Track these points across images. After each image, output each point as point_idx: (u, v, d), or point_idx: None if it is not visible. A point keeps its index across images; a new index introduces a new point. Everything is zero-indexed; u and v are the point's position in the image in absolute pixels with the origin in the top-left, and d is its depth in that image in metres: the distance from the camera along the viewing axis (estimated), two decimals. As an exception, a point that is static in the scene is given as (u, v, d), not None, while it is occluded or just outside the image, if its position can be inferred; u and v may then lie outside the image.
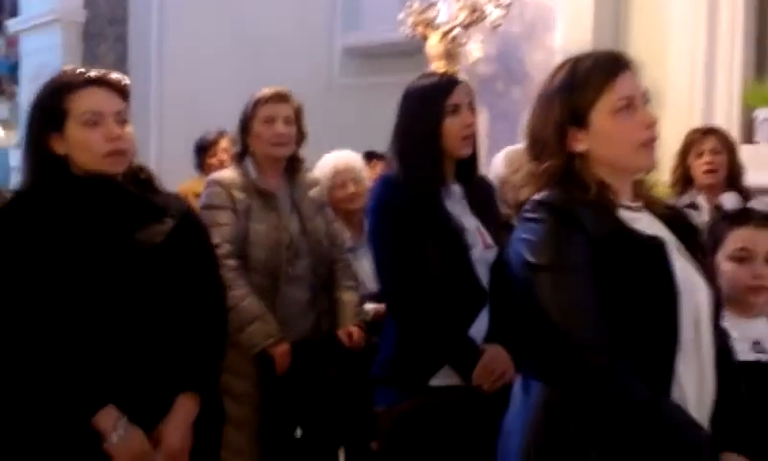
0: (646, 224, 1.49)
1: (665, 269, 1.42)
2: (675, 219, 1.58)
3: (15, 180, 7.68)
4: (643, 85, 1.52)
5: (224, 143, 3.89)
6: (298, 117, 2.74)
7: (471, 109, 2.23)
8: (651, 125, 1.50)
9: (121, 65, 6.81)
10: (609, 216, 1.46)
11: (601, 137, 1.48)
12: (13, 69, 8.02)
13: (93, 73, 1.74)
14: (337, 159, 3.13)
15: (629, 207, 1.51)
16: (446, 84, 2.22)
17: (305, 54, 6.46)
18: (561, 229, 1.42)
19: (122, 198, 1.72)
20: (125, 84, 1.78)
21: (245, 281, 2.50)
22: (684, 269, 1.45)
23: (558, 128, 1.49)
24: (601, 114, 1.47)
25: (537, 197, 1.48)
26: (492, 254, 2.21)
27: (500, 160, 2.89)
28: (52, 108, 1.71)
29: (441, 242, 2.13)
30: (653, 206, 1.57)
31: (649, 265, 1.42)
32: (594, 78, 1.48)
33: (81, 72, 1.74)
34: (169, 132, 6.07)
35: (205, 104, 6.00)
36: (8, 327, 1.63)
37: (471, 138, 2.22)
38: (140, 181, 1.78)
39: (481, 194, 2.30)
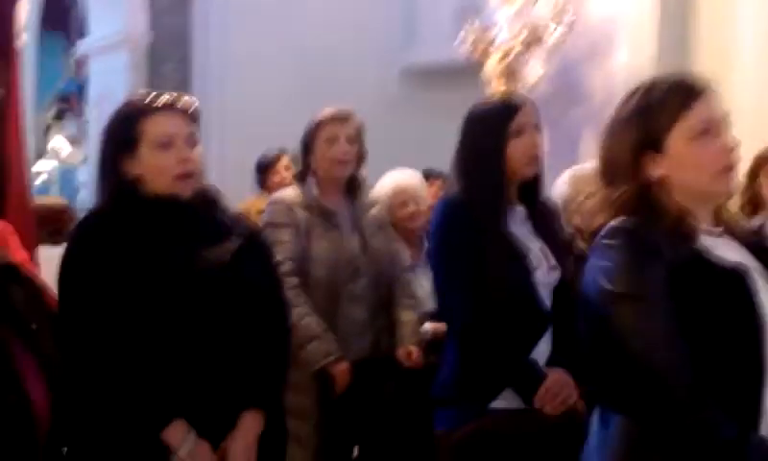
0: (727, 251, 1.44)
1: (749, 299, 1.37)
2: (759, 245, 1.52)
3: (83, 196, 7.95)
4: (722, 110, 1.48)
5: (284, 161, 3.95)
6: (359, 137, 2.76)
7: (537, 129, 2.21)
8: (730, 150, 1.46)
9: (184, 85, 6.98)
10: (688, 243, 1.41)
11: (678, 163, 1.44)
12: (82, 89, 8.30)
13: (164, 97, 1.80)
14: (398, 178, 3.15)
15: (709, 233, 1.46)
16: (511, 107, 2.20)
17: (364, 72, 6.53)
18: (639, 256, 1.38)
19: (191, 218, 1.77)
20: (194, 108, 1.83)
21: (305, 299, 2.52)
22: None
23: (633, 153, 1.46)
24: (678, 139, 1.44)
25: (613, 223, 1.44)
26: (555, 277, 2.19)
27: (564, 182, 2.85)
28: (125, 131, 1.77)
29: (504, 264, 2.11)
30: (734, 231, 1.52)
31: (731, 295, 1.37)
32: (671, 102, 1.45)
33: (153, 97, 1.80)
34: (230, 149, 6.18)
35: (266, 122, 6.09)
36: (81, 342, 1.67)
37: (536, 159, 2.20)
38: (207, 202, 1.83)
39: (545, 216, 2.28)
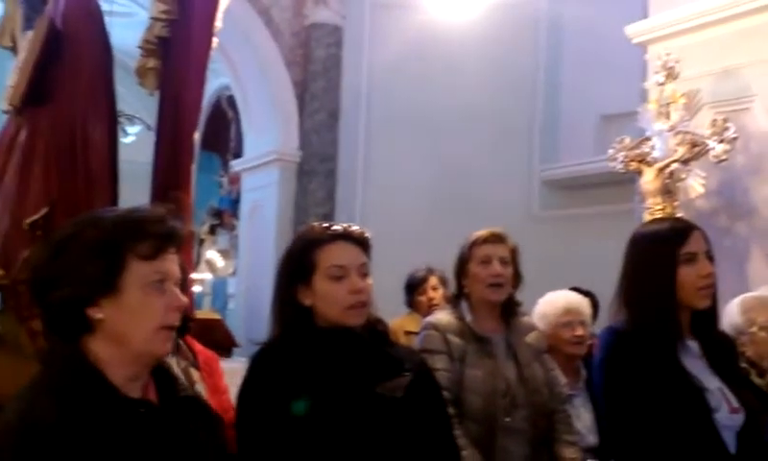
0: None
1: None
2: None
3: (232, 306, 8.31)
4: None
5: (433, 281, 3.93)
6: (514, 258, 2.69)
7: (709, 257, 2.06)
8: None
9: (329, 200, 7.27)
10: None
11: None
12: (235, 204, 8.82)
13: (338, 227, 1.82)
14: (568, 299, 3.03)
15: None
16: (681, 231, 2.07)
17: (504, 186, 6.53)
18: None
19: (364, 350, 1.75)
20: (366, 237, 1.84)
21: (462, 432, 2.42)
22: None
23: None
24: None
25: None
26: (739, 420, 1.98)
27: (735, 309, 2.65)
28: (301, 261, 1.80)
29: (681, 404, 1.94)
30: None
31: None
32: None
33: (326, 226, 1.83)
34: (372, 265, 6.30)
35: (407, 236, 6.18)
36: None
37: (710, 289, 2.05)
38: (377, 333, 1.81)
39: (721, 351, 2.09)
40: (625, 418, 1.98)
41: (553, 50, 6.73)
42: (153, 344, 1.31)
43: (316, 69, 7.46)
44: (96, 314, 1.27)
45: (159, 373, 1.40)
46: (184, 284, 2.39)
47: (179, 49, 3.44)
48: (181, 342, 2.35)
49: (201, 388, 2.24)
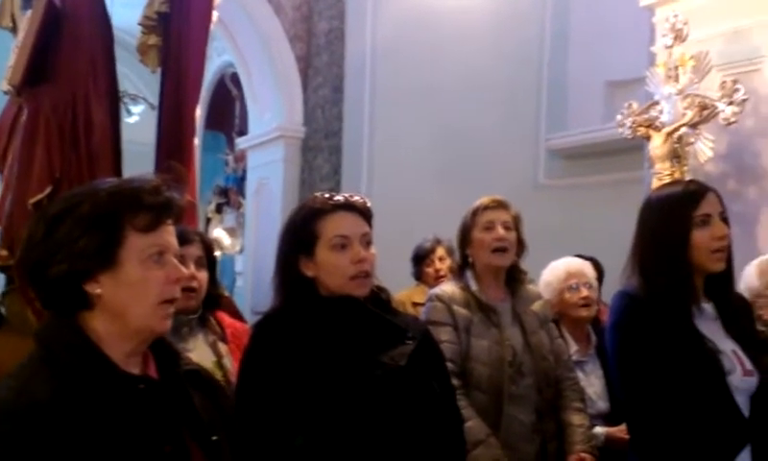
0: None
1: None
2: None
3: (240, 283, 8.31)
4: None
5: (440, 252, 3.91)
6: (517, 225, 2.66)
7: (724, 219, 2.03)
8: None
9: (335, 176, 7.23)
10: None
11: None
12: (241, 182, 8.79)
13: (340, 198, 1.80)
14: (569, 263, 3.04)
15: None
16: (694, 194, 2.03)
17: (510, 155, 6.47)
18: None
19: (367, 319, 1.73)
20: (368, 207, 1.82)
21: (468, 402, 2.41)
22: None
23: None
24: None
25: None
26: (753, 382, 1.96)
27: (752, 272, 2.61)
28: (303, 232, 1.77)
29: (694, 367, 1.91)
30: None
31: None
32: None
33: (329, 197, 1.80)
34: (379, 238, 6.29)
35: (413, 207, 6.15)
36: (259, 441, 1.66)
37: (724, 252, 2.01)
38: (381, 302, 1.79)
39: (736, 313, 2.06)
40: (638, 381, 1.96)
41: (559, 16, 6.62)
42: (152, 319, 1.28)
43: (319, 43, 7.38)
44: (94, 289, 1.25)
45: (160, 348, 1.37)
46: (210, 262, 2.41)
47: (178, 24, 3.41)
48: (210, 317, 2.36)
49: (228, 362, 2.25)
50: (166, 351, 1.38)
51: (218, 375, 2.46)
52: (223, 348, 2.36)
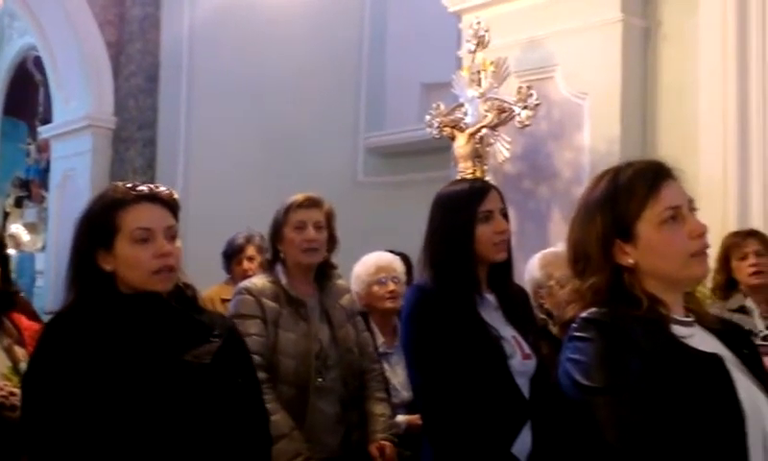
0: (700, 340, 1.41)
1: (728, 390, 1.32)
2: (729, 334, 1.48)
3: (40, 283, 7.74)
4: (688, 193, 1.46)
5: (250, 250, 3.85)
6: (329, 222, 2.70)
7: (504, 215, 2.18)
8: (701, 234, 1.43)
9: (149, 169, 6.94)
10: (661, 332, 1.37)
11: (649, 250, 1.41)
12: (44, 174, 8.19)
13: (143, 188, 1.69)
14: (379, 257, 3.16)
15: (681, 322, 1.42)
16: (478, 191, 2.18)
17: (329, 153, 6.55)
18: (612, 348, 1.34)
19: (169, 317, 1.66)
20: (175, 199, 1.73)
21: (274, 396, 2.41)
22: (748, 389, 1.35)
23: (602, 241, 1.43)
24: (647, 226, 1.41)
25: (584, 314, 1.40)
26: (531, 365, 2.12)
27: (535, 264, 2.82)
28: (101, 224, 1.65)
29: (478, 352, 2.04)
30: (704, 320, 1.48)
31: (710, 386, 1.32)
32: (637, 188, 1.42)
33: (130, 187, 1.69)
34: (195, 233, 6.11)
35: (232, 203, 6.05)
36: (51, 445, 1.56)
37: (505, 245, 2.17)
38: (185, 299, 1.72)
39: (516, 302, 2.23)
40: (427, 368, 2.06)
41: (378, 19, 6.79)
42: None
43: (132, 29, 7.03)
44: None
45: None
46: (1, 258, 2.20)
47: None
48: (5, 319, 2.22)
49: (25, 366, 2.07)
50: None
51: (14, 381, 2.27)
52: (20, 351, 2.22)
